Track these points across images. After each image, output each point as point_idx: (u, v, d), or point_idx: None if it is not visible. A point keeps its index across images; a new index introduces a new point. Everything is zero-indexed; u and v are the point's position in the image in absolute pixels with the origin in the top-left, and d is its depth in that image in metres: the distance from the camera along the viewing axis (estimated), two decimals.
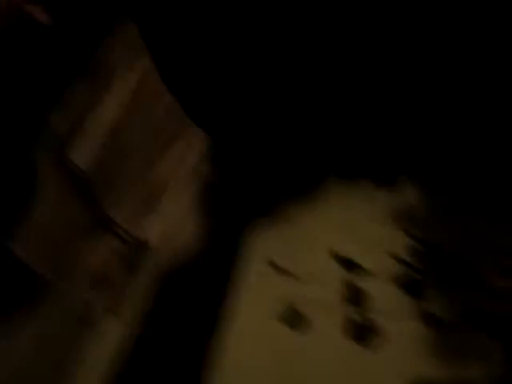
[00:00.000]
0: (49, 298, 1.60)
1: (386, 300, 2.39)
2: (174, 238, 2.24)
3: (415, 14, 2.34)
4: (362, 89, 2.56)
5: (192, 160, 2.24)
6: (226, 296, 2.45)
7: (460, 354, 2.29)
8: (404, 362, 2.22)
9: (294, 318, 2.44)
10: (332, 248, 2.48)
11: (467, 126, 2.57)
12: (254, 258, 2.47)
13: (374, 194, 2.65)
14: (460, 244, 2.44)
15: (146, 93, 1.99)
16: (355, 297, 2.45)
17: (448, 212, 2.59)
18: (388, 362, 2.27)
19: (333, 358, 2.34)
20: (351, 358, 2.32)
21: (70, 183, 1.82)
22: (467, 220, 2.52)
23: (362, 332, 2.38)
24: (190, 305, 2.49)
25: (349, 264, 2.46)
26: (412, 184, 2.65)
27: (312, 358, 2.35)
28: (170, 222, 2.23)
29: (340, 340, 2.36)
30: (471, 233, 2.46)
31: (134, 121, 1.97)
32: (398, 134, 2.62)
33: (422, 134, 2.58)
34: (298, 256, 2.52)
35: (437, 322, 2.34)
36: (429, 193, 2.64)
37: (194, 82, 2.31)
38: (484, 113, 2.52)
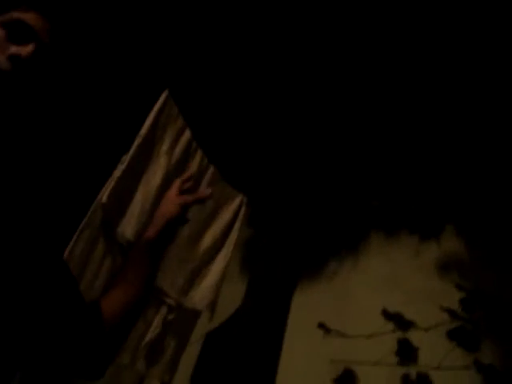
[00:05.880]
0: (107, 373, 1.60)
1: (440, 354, 2.34)
2: (222, 304, 2.24)
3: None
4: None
5: (236, 226, 2.26)
6: (278, 362, 2.43)
7: None
8: None
9: (349, 380, 2.40)
10: (379, 303, 2.45)
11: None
12: (302, 321, 2.44)
13: (418, 246, 2.63)
14: None
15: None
16: (408, 353, 2.40)
17: (496, 260, 2.56)
18: None
19: None
20: None
21: (120, 258, 1.85)
22: None
23: None
24: (241, 372, 2.47)
25: (398, 319, 2.43)
26: (458, 234, 2.63)
27: None
28: (217, 289, 2.23)
29: None
30: None
31: None
32: (439, 184, 2.62)
33: (464, 182, 2.58)
34: (346, 314, 2.49)
35: (493, 374, 2.28)
36: (476, 241, 2.61)
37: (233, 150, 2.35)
38: None
